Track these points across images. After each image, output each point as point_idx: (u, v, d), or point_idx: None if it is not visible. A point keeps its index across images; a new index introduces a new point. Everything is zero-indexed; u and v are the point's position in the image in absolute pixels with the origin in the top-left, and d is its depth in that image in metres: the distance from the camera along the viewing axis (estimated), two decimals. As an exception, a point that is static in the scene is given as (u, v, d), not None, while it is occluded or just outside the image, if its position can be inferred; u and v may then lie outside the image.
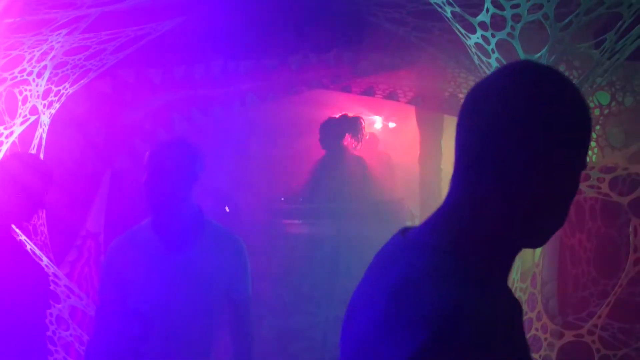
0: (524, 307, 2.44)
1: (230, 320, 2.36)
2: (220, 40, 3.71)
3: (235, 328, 2.36)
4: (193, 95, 4.63)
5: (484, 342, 0.80)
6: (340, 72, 4.71)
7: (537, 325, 2.37)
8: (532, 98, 0.90)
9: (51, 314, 2.88)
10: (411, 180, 6.16)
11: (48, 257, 2.98)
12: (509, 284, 2.48)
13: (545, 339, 2.31)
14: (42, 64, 2.79)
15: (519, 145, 0.89)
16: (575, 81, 2.88)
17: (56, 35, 2.61)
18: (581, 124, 0.93)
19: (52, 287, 2.81)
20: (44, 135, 3.08)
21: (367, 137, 5.84)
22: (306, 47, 3.97)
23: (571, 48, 2.05)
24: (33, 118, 2.96)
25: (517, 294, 2.48)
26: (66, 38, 2.69)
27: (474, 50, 2.21)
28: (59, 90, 3.07)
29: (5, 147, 2.84)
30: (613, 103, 3.11)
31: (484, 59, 2.18)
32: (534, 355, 2.33)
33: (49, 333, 2.83)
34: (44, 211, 3.12)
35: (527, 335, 2.35)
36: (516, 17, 1.88)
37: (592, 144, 3.12)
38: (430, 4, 2.26)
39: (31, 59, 2.72)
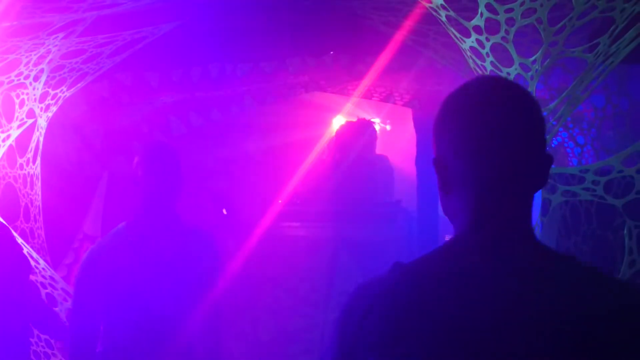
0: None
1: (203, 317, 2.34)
2: (218, 43, 3.72)
3: (207, 324, 2.34)
4: (190, 98, 4.64)
5: None
6: (337, 74, 4.72)
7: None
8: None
9: (48, 317, 2.88)
10: (408, 182, 6.16)
11: (45, 260, 2.98)
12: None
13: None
14: (39, 67, 2.80)
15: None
16: (569, 84, 2.89)
17: (53, 38, 2.62)
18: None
19: (48, 290, 2.82)
20: (41, 139, 3.09)
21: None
22: (303, 50, 3.98)
23: (565, 52, 2.06)
24: (30, 121, 2.96)
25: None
26: (63, 42, 2.69)
27: (469, 53, 2.22)
28: (56, 94, 3.08)
29: (2, 151, 2.84)
30: (608, 106, 3.12)
31: (478, 62, 2.19)
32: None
33: (46, 336, 2.83)
34: (41, 214, 3.13)
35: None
36: (510, 21, 1.89)
37: (588, 146, 3.13)
38: (425, 8, 2.28)
39: (28, 62, 2.72)
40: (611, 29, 1.90)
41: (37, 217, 3.11)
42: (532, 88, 2.11)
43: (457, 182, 1.02)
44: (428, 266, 1.01)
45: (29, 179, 3.08)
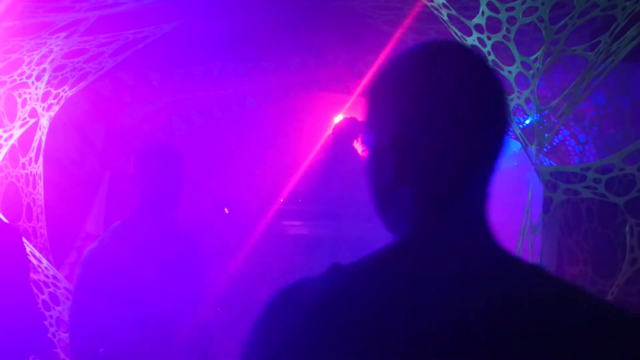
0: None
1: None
2: (219, 42, 3.72)
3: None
4: (192, 98, 4.65)
5: None
6: (338, 73, 4.73)
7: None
8: None
9: (51, 316, 2.89)
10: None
11: (48, 259, 2.99)
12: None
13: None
14: (41, 67, 2.80)
15: None
16: (571, 82, 2.90)
17: (55, 38, 2.62)
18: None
19: (51, 289, 2.83)
20: (44, 138, 3.09)
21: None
22: (304, 49, 3.99)
23: (566, 50, 2.07)
24: (32, 121, 2.97)
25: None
26: (65, 41, 2.70)
27: (470, 52, 2.22)
28: (58, 93, 3.08)
29: (4, 150, 2.85)
30: (609, 104, 3.13)
31: (480, 61, 2.19)
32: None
33: (49, 335, 2.84)
34: (44, 213, 3.14)
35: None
36: (511, 20, 1.89)
37: (589, 144, 3.14)
38: (427, 6, 2.28)
39: (30, 62, 2.73)
40: (612, 27, 1.91)
41: (40, 216, 3.12)
42: (533, 86, 2.11)
43: (414, 169, 0.83)
44: (372, 271, 0.85)
45: (31, 178, 3.09)
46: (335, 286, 0.83)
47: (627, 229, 2.12)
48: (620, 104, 3.12)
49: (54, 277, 2.89)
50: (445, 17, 2.18)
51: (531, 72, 2.07)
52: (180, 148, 2.35)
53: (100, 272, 2.14)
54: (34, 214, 3.09)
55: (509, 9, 1.86)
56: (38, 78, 2.86)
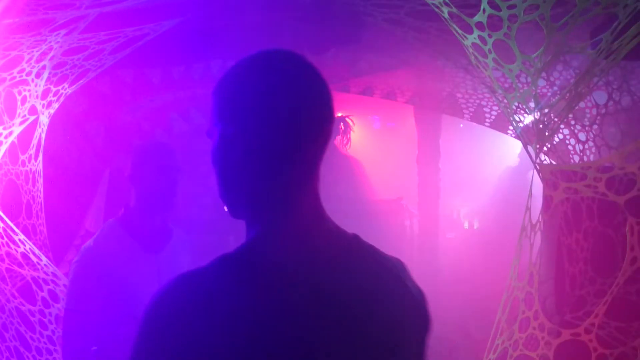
0: (521, 306, 2.46)
1: None
2: (219, 40, 3.72)
3: None
4: (192, 95, 4.64)
5: None
6: (338, 72, 4.72)
7: (534, 324, 2.38)
8: None
9: (50, 314, 2.89)
10: (409, 179, 6.17)
11: (47, 257, 2.98)
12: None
13: (543, 337, 2.32)
14: (41, 64, 2.80)
15: None
16: (572, 81, 2.89)
17: (55, 35, 2.62)
18: None
19: (50, 287, 2.82)
20: (43, 135, 3.09)
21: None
22: (304, 47, 3.98)
23: (567, 48, 2.06)
24: (32, 118, 2.96)
25: (515, 293, 2.50)
26: (65, 38, 2.69)
27: (471, 50, 2.22)
28: (58, 91, 3.08)
29: (4, 147, 2.85)
30: (610, 102, 3.12)
31: (480, 59, 2.19)
32: (531, 354, 2.34)
33: (48, 332, 2.84)
34: (43, 211, 3.13)
35: (525, 334, 2.37)
36: (512, 18, 1.89)
37: (590, 143, 3.13)
38: (427, 4, 2.27)
39: (30, 59, 2.72)
40: (614, 25, 1.90)
41: (39, 213, 3.12)
42: (534, 84, 2.11)
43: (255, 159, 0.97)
44: (255, 258, 0.94)
45: (31, 176, 3.08)
46: (220, 276, 0.91)
47: (627, 227, 2.12)
48: (620, 103, 3.11)
49: (54, 275, 2.89)
50: (446, 15, 2.17)
51: (532, 70, 2.07)
52: (176, 147, 2.36)
53: (95, 270, 2.14)
54: (34, 211, 3.09)
55: (510, 7, 1.85)
56: (38, 75, 2.85)
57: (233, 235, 4.90)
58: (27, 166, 3.07)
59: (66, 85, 3.10)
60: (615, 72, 3.07)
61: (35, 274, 2.78)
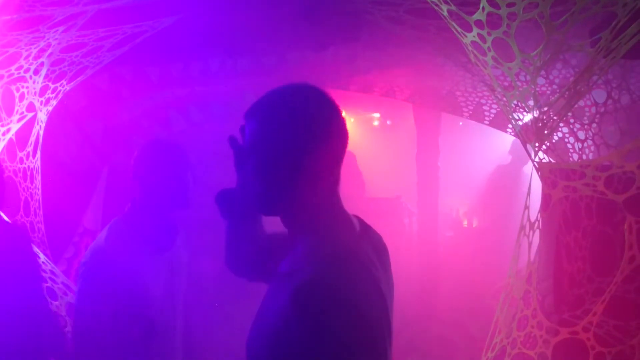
0: (520, 305, 2.46)
1: None
2: (218, 38, 3.71)
3: None
4: (191, 93, 4.63)
5: None
6: (337, 69, 4.72)
7: (532, 322, 2.38)
8: None
9: (48, 311, 2.88)
10: (408, 177, 6.17)
11: (45, 254, 2.98)
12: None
13: (541, 336, 2.32)
14: (39, 61, 2.79)
15: None
16: (571, 79, 2.89)
17: (53, 32, 2.61)
18: None
19: (49, 284, 2.82)
20: (41, 133, 3.08)
21: None
22: (304, 44, 3.98)
23: (567, 46, 2.06)
24: (30, 115, 2.96)
25: (513, 291, 2.50)
26: (63, 35, 2.68)
27: (470, 48, 2.21)
28: (56, 88, 3.07)
29: (2, 144, 2.84)
30: (609, 101, 3.12)
31: (480, 57, 2.19)
32: (529, 352, 2.34)
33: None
34: (41, 208, 3.13)
35: (523, 332, 2.37)
36: (512, 16, 1.88)
37: (588, 141, 3.13)
38: (426, 2, 2.27)
39: (28, 56, 2.72)
40: (613, 23, 1.90)
41: (37, 211, 3.11)
42: (533, 83, 2.11)
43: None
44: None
45: (29, 173, 3.08)
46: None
47: (625, 226, 2.11)
48: (620, 101, 3.11)
49: (52, 272, 2.89)
50: (445, 13, 2.17)
51: (531, 68, 2.07)
52: (184, 145, 2.35)
53: (108, 271, 2.11)
54: (32, 209, 3.08)
55: (509, 5, 1.85)
56: (36, 72, 2.85)
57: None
58: (25, 163, 3.06)
59: (64, 83, 3.09)
60: (615, 70, 3.07)
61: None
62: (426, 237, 5.85)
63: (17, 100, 2.88)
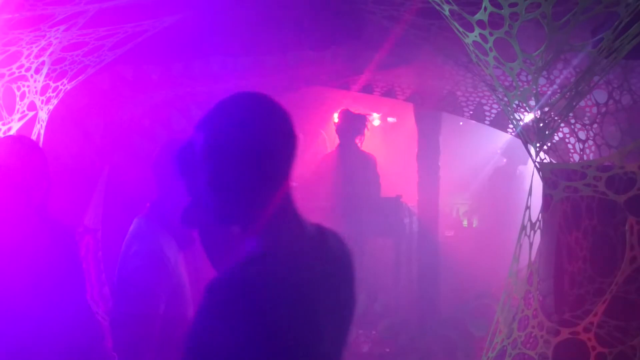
0: (520, 305, 2.46)
1: None
2: (219, 37, 3.71)
3: None
4: (192, 92, 4.63)
5: None
6: (338, 69, 4.72)
7: (533, 322, 2.38)
8: None
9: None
10: (409, 177, 6.16)
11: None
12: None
13: (542, 336, 2.32)
14: (40, 59, 2.79)
15: None
16: (572, 79, 2.89)
17: (54, 31, 2.61)
18: None
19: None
20: (42, 132, 3.08)
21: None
22: (304, 44, 3.97)
23: (569, 46, 2.06)
24: (31, 114, 2.96)
25: (514, 291, 2.50)
26: (64, 34, 2.68)
27: (471, 48, 2.21)
28: (57, 86, 3.07)
29: (3, 143, 2.84)
30: (610, 101, 3.12)
31: (481, 57, 2.18)
32: (530, 353, 2.34)
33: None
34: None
35: (523, 332, 2.37)
36: (514, 16, 1.88)
37: (590, 141, 3.13)
38: (428, 2, 2.27)
39: (29, 54, 2.71)
40: (616, 23, 1.90)
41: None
42: (534, 83, 2.10)
43: None
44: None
45: (29, 172, 3.07)
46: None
47: (626, 226, 2.11)
48: (621, 101, 3.11)
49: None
50: (447, 13, 2.17)
51: (533, 68, 2.06)
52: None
53: (163, 273, 2.10)
54: (33, 208, 3.08)
55: (511, 5, 1.85)
56: (37, 71, 2.85)
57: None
58: (26, 162, 3.05)
59: (65, 81, 3.09)
60: (616, 70, 3.06)
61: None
62: (426, 237, 5.84)
63: (18, 99, 2.88)
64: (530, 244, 2.36)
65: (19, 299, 2.07)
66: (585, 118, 3.26)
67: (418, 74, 4.82)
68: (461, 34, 2.19)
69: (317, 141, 6.93)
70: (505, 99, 2.46)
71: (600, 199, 2.53)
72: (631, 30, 1.93)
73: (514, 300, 2.50)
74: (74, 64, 3.02)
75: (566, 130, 3.29)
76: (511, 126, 4.57)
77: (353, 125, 5.60)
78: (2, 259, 2.07)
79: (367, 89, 5.29)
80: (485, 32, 2.01)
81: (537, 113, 2.26)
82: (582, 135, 3.18)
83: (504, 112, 3.15)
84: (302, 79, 5.04)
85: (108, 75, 3.90)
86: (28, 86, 2.88)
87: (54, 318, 2.12)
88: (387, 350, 4.92)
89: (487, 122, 4.98)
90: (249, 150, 1.23)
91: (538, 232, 2.39)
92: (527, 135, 2.37)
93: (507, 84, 2.96)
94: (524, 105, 2.33)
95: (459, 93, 4.90)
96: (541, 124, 2.26)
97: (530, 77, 2.14)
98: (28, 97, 2.91)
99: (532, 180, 2.38)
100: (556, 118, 2.35)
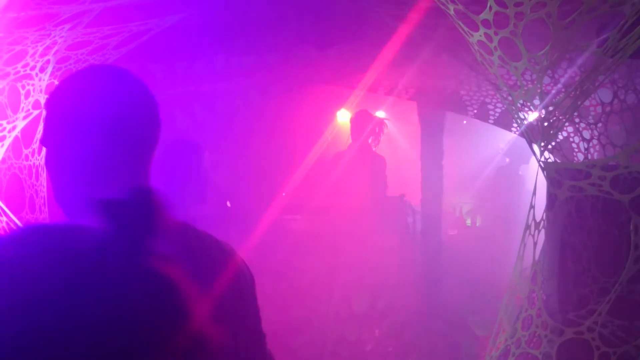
0: (524, 304, 2.45)
1: None
2: (223, 35, 3.71)
3: None
4: (195, 91, 4.64)
5: None
6: (342, 67, 4.72)
7: (537, 322, 2.37)
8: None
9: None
10: (412, 176, 6.16)
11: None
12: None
13: (546, 336, 2.32)
14: (45, 58, 2.79)
15: None
16: (577, 79, 2.88)
17: (59, 30, 2.61)
18: None
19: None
20: (47, 130, 3.09)
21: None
22: (308, 42, 3.97)
23: (574, 46, 2.05)
24: (36, 112, 2.96)
25: (518, 291, 2.49)
26: (69, 33, 2.69)
27: (476, 47, 2.21)
28: (62, 85, 3.07)
29: (8, 142, 2.85)
30: (615, 101, 3.11)
31: (486, 56, 2.18)
32: (534, 352, 2.34)
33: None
34: (47, 205, 3.13)
35: (527, 332, 2.37)
36: (519, 15, 1.88)
37: (594, 141, 3.12)
38: (433, 1, 2.26)
39: (34, 53, 2.72)
40: (621, 23, 1.89)
41: (42, 208, 3.12)
42: (539, 82, 2.10)
43: None
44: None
45: (34, 170, 3.08)
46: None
47: (631, 226, 2.11)
48: (626, 101, 3.10)
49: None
50: (452, 12, 2.16)
51: (538, 67, 2.06)
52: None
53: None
54: (37, 206, 3.09)
55: (517, 4, 1.84)
56: (42, 70, 2.85)
57: (235, 232, 4.90)
58: (31, 160, 3.07)
59: (70, 80, 3.09)
60: (621, 70, 3.05)
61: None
62: (429, 236, 5.85)
63: (22, 97, 2.89)
64: (535, 243, 2.35)
65: None
66: (590, 117, 3.25)
67: (422, 73, 4.81)
68: (466, 33, 2.19)
69: (320, 140, 6.93)
70: (510, 98, 2.45)
71: (605, 198, 2.52)
72: (637, 29, 1.93)
73: (518, 299, 2.50)
74: (79, 63, 3.02)
75: (571, 129, 3.28)
76: (515, 125, 4.56)
77: (369, 127, 5.58)
78: None
79: (371, 88, 5.29)
80: (490, 32, 2.01)
81: (542, 112, 2.26)
82: (586, 134, 3.17)
83: (508, 112, 3.14)
84: (306, 77, 5.04)
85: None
86: (33, 85, 2.89)
87: None
88: (390, 349, 4.92)
89: (491, 121, 4.98)
90: (92, 130, 1.10)
91: (542, 231, 2.38)
92: (532, 135, 2.36)
93: (511, 83, 2.95)
94: (529, 104, 2.33)
95: (462, 92, 4.90)
96: (546, 123, 2.26)
97: (534, 77, 2.13)
98: (33, 96, 2.91)
99: (536, 180, 2.37)
100: (561, 117, 2.35)
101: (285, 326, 4.81)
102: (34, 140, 3.07)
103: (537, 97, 2.21)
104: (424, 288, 5.59)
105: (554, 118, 2.30)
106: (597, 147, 3.08)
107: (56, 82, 3.03)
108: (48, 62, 2.84)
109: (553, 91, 3.21)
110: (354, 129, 5.50)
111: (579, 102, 2.40)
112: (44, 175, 3.14)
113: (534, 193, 2.36)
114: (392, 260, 5.82)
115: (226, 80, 4.41)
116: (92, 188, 1.10)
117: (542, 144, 2.29)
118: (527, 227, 2.36)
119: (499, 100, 4.38)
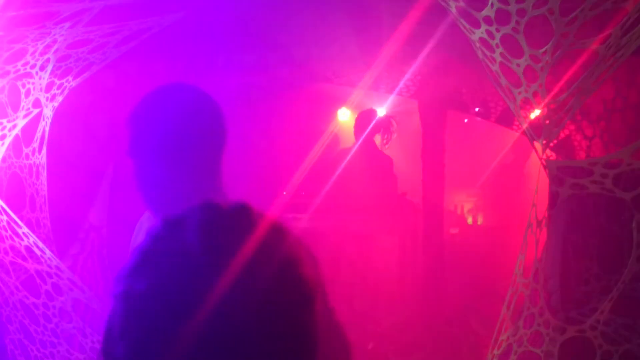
0: (526, 302, 2.44)
1: None
2: (223, 34, 3.70)
3: None
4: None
5: None
6: (342, 65, 4.71)
7: (539, 320, 2.37)
8: None
9: (54, 307, 2.89)
10: (414, 174, 6.15)
11: (51, 250, 2.99)
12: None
13: (548, 334, 2.31)
14: (45, 57, 2.79)
15: None
16: (579, 76, 2.87)
17: (59, 28, 2.61)
18: None
19: (54, 280, 2.82)
20: (47, 129, 3.08)
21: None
22: (309, 41, 3.97)
23: (576, 43, 2.04)
24: (36, 111, 2.96)
25: (520, 289, 2.48)
26: (69, 31, 2.68)
27: (478, 44, 2.20)
28: (62, 84, 3.07)
29: (8, 140, 2.85)
30: (617, 98, 3.10)
31: (488, 53, 2.17)
32: (536, 350, 2.33)
33: (52, 325, 2.84)
34: (47, 204, 3.13)
35: (529, 330, 2.36)
36: (521, 12, 1.87)
37: (597, 139, 3.11)
38: (434, -2, 2.26)
39: (34, 52, 2.71)
40: (624, 20, 1.88)
41: (43, 206, 3.12)
42: (542, 80, 2.09)
43: None
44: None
45: (34, 169, 3.08)
46: None
47: (633, 224, 2.10)
48: (628, 98, 3.09)
49: (57, 268, 2.89)
50: (454, 10, 2.15)
51: (540, 65, 2.05)
52: None
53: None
54: (37, 205, 3.09)
55: (519, 1, 1.83)
56: (42, 68, 2.85)
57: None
58: (31, 159, 3.06)
59: (70, 79, 3.09)
60: (623, 67, 3.04)
61: (39, 267, 2.78)
62: (431, 234, 5.84)
63: (23, 96, 2.88)
64: (537, 241, 2.34)
65: None
66: (592, 115, 3.24)
67: (423, 71, 4.81)
68: (467, 31, 2.18)
69: (321, 138, 6.92)
70: (512, 95, 2.44)
71: (607, 196, 2.51)
72: (639, 26, 1.92)
73: (520, 297, 2.49)
74: (79, 61, 3.02)
75: (573, 127, 3.27)
76: (517, 123, 4.55)
77: (376, 125, 5.56)
78: None
79: (372, 86, 5.28)
80: (492, 29, 2.00)
81: (544, 110, 2.25)
82: (588, 132, 3.16)
83: (510, 109, 3.13)
84: (307, 76, 5.03)
85: (113, 72, 3.90)
86: (33, 83, 2.88)
87: None
88: (392, 347, 4.91)
89: (492, 119, 4.97)
90: (174, 141, 1.29)
91: (544, 229, 2.37)
92: (534, 133, 2.36)
93: (513, 80, 2.94)
94: (531, 102, 2.32)
95: (464, 90, 4.89)
96: (548, 121, 2.25)
97: (536, 74, 2.12)
98: (33, 94, 2.91)
99: (538, 178, 2.36)
100: (563, 115, 2.34)
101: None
102: (35, 139, 3.07)
103: (539, 95, 2.20)
104: (425, 286, 5.59)
105: (556, 116, 2.29)
106: (599, 145, 3.08)
107: (57, 81, 3.03)
108: (48, 60, 2.83)
109: (555, 89, 3.20)
110: (359, 128, 5.49)
111: (581, 100, 2.39)
112: (44, 174, 3.14)
113: (536, 191, 2.35)
114: (393, 259, 5.82)
115: (227, 78, 4.41)
116: (183, 191, 1.29)
117: (544, 141, 2.28)
118: (529, 225, 2.35)
119: (501, 97, 4.37)
